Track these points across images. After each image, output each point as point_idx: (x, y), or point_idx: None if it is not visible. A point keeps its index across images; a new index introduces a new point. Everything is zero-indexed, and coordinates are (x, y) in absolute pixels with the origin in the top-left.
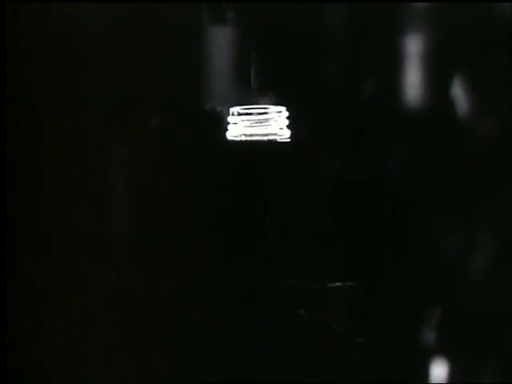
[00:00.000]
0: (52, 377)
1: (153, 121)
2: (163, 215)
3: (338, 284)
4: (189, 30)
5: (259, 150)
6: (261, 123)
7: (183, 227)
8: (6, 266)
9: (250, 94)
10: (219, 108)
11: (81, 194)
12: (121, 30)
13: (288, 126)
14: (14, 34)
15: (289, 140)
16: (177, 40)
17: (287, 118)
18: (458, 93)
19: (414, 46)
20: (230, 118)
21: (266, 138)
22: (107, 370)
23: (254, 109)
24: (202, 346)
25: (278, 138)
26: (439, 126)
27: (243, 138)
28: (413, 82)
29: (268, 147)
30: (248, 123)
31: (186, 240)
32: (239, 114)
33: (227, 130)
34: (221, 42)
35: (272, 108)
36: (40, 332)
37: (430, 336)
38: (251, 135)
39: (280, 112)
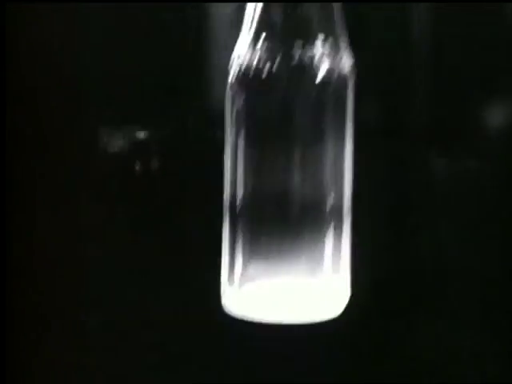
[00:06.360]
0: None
1: (155, 126)
2: (164, 222)
3: None
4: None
5: None
6: None
7: (184, 237)
8: (7, 265)
9: None
10: None
11: (79, 197)
12: (122, 31)
13: None
14: (14, 34)
15: None
16: (179, 44)
17: None
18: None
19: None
20: None
21: None
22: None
23: None
24: (201, 363)
25: None
26: None
27: None
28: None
29: None
30: None
31: (185, 250)
32: None
33: None
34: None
35: None
36: (40, 334)
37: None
38: None
39: None
